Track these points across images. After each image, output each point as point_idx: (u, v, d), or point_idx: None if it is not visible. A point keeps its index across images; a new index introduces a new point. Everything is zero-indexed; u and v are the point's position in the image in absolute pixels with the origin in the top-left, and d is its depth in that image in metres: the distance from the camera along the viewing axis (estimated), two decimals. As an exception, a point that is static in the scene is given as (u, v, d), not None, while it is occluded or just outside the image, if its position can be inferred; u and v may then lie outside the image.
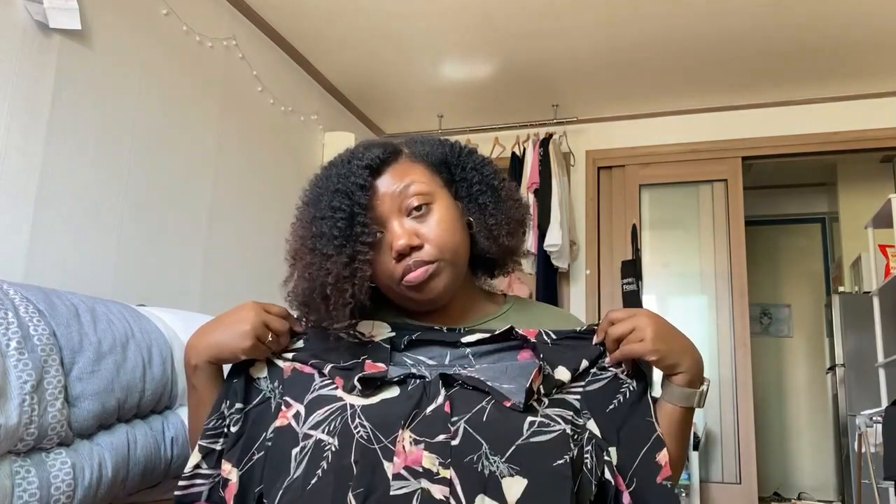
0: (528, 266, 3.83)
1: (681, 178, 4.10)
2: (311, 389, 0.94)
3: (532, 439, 0.84)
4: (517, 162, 3.96)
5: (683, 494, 3.60)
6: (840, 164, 5.05)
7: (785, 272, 5.86)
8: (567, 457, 0.83)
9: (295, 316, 1.02)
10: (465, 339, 0.98)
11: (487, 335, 0.97)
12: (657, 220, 4.17)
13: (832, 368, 4.65)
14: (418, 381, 0.90)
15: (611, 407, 0.95)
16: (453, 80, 3.71)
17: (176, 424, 1.39)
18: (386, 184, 0.99)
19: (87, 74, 2.18)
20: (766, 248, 5.79)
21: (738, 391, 3.79)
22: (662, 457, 0.93)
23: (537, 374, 0.89)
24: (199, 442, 0.95)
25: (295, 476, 0.86)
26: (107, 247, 2.23)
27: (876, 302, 3.72)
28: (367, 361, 0.94)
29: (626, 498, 0.90)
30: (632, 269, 3.88)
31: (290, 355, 0.99)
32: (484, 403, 0.87)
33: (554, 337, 0.99)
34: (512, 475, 0.81)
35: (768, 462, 5.31)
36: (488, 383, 0.89)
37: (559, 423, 0.87)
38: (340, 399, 0.90)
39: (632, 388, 0.96)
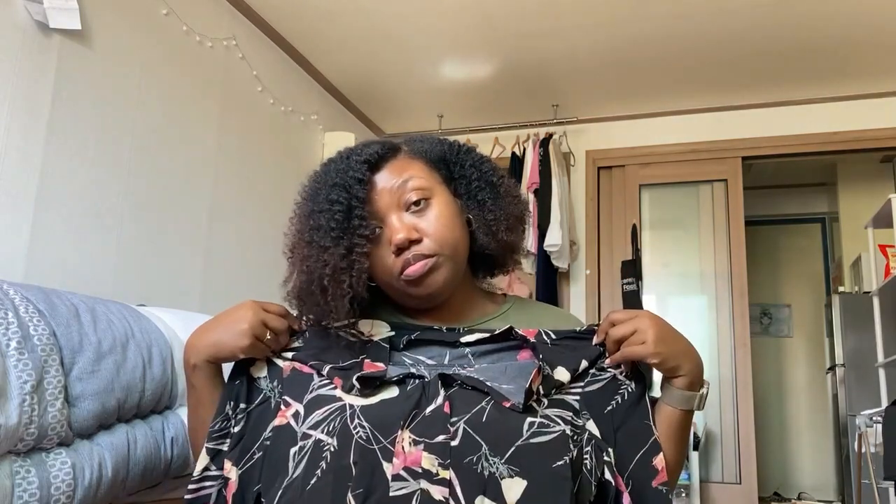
0: (528, 266, 3.83)
1: (681, 178, 4.10)
2: (310, 389, 0.94)
3: (532, 440, 0.84)
4: (517, 162, 3.96)
5: (683, 494, 3.60)
6: (840, 164, 5.05)
7: (785, 272, 5.87)
8: (567, 458, 0.83)
9: (294, 314, 1.02)
10: (464, 339, 0.97)
11: (487, 335, 0.97)
12: (657, 220, 4.17)
13: (832, 368, 4.65)
14: (417, 381, 0.90)
15: (609, 408, 0.95)
16: (453, 80, 3.71)
17: (176, 424, 1.39)
18: (384, 179, 0.99)
19: (87, 74, 2.18)
20: (766, 248, 5.79)
21: (738, 391, 3.79)
22: (659, 461, 0.93)
23: (536, 374, 0.89)
24: (206, 445, 0.95)
25: (294, 476, 0.86)
26: (107, 247, 2.23)
27: (876, 302, 3.72)
28: (365, 361, 0.94)
29: (626, 499, 0.90)
30: (632, 269, 3.89)
31: (289, 354, 0.99)
32: (483, 404, 0.86)
33: (553, 337, 0.99)
34: (511, 476, 0.81)
35: (768, 462, 5.31)
36: (487, 383, 0.89)
37: (559, 424, 0.86)
38: (339, 399, 0.89)
39: (630, 390, 0.96)
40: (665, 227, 4.17)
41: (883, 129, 3.74)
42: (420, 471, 0.80)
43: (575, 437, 0.87)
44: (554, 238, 3.73)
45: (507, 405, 0.86)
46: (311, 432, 0.87)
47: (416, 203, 0.98)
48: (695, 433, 3.63)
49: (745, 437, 3.74)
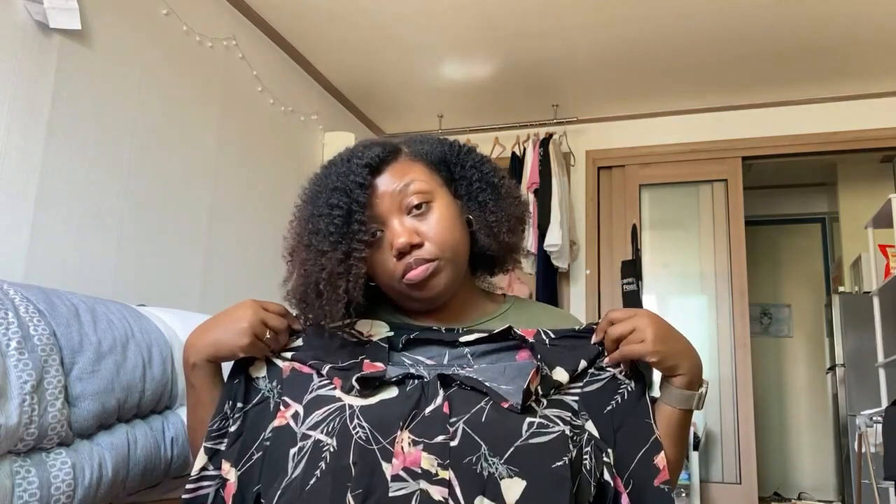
0: (528, 266, 3.83)
1: (681, 178, 4.10)
2: (310, 389, 0.94)
3: (531, 440, 0.84)
4: (517, 162, 3.96)
5: (683, 494, 3.60)
6: (840, 164, 5.05)
7: (785, 272, 5.86)
8: (566, 458, 0.83)
9: (294, 314, 1.02)
10: (463, 339, 0.98)
11: (485, 334, 0.97)
12: (657, 220, 4.17)
13: (832, 368, 4.65)
14: (416, 381, 0.90)
15: (609, 408, 0.95)
16: (453, 80, 3.71)
17: (176, 424, 1.40)
18: (385, 182, 0.99)
19: (87, 74, 2.18)
20: (766, 248, 5.79)
21: (738, 391, 3.79)
22: (660, 460, 0.93)
23: (535, 374, 0.89)
24: (205, 444, 0.95)
25: (293, 476, 0.86)
26: (107, 247, 2.23)
27: (876, 302, 3.72)
28: (365, 361, 0.94)
29: (625, 500, 0.90)
30: (632, 269, 3.88)
31: (289, 354, 0.99)
32: (482, 404, 0.86)
33: (552, 336, 0.99)
34: (511, 476, 0.81)
35: (768, 462, 5.31)
36: (486, 384, 0.89)
37: (558, 425, 0.87)
38: (339, 399, 0.89)
39: (630, 389, 0.96)
40: (665, 227, 4.17)
41: (883, 129, 3.74)
42: (419, 471, 0.80)
43: (574, 438, 0.87)
44: (554, 238, 3.73)
45: (506, 406, 0.86)
46: (310, 433, 0.87)
47: (418, 206, 0.98)
48: (695, 433, 3.63)
49: (745, 437, 3.74)
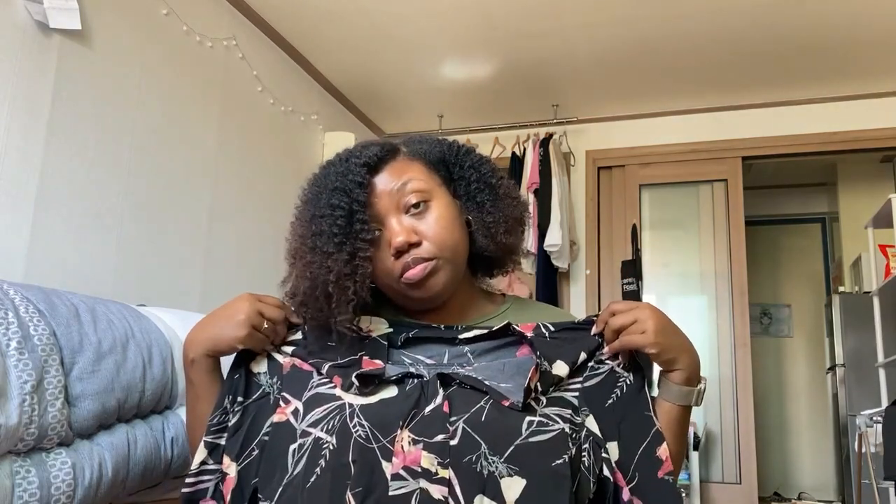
0: (528, 266, 3.84)
1: (681, 178, 4.10)
2: (310, 387, 0.94)
3: (531, 439, 0.84)
4: (517, 162, 3.96)
5: (684, 494, 3.60)
6: (840, 164, 5.05)
7: (785, 272, 5.86)
8: (566, 456, 0.83)
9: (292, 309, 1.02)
10: (462, 336, 0.98)
11: (485, 331, 0.97)
12: (657, 220, 4.17)
13: (832, 368, 4.65)
14: (416, 380, 0.90)
15: (609, 401, 0.95)
16: (453, 80, 3.71)
17: (176, 424, 1.40)
18: (384, 181, 0.99)
19: (87, 74, 2.18)
20: (766, 248, 5.79)
21: (738, 391, 3.79)
22: (663, 451, 0.93)
23: (534, 372, 0.89)
24: (205, 438, 0.96)
25: (294, 474, 0.86)
26: (107, 247, 2.23)
27: (876, 302, 3.72)
28: (364, 358, 0.94)
29: (625, 494, 0.90)
30: (632, 269, 3.89)
31: (289, 349, 0.99)
32: (482, 403, 0.87)
33: (552, 329, 0.99)
34: (511, 475, 0.81)
35: (768, 462, 5.31)
36: (486, 382, 0.89)
37: (558, 423, 0.87)
38: (339, 398, 0.90)
39: (629, 382, 0.96)
40: (665, 227, 4.17)
41: (883, 129, 3.74)
42: (419, 470, 0.80)
43: (574, 436, 0.87)
44: (554, 238, 3.73)
45: (506, 404, 0.86)
46: (310, 430, 0.87)
47: (416, 206, 0.98)
48: (695, 433, 3.63)
49: (745, 437, 3.74)
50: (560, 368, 0.93)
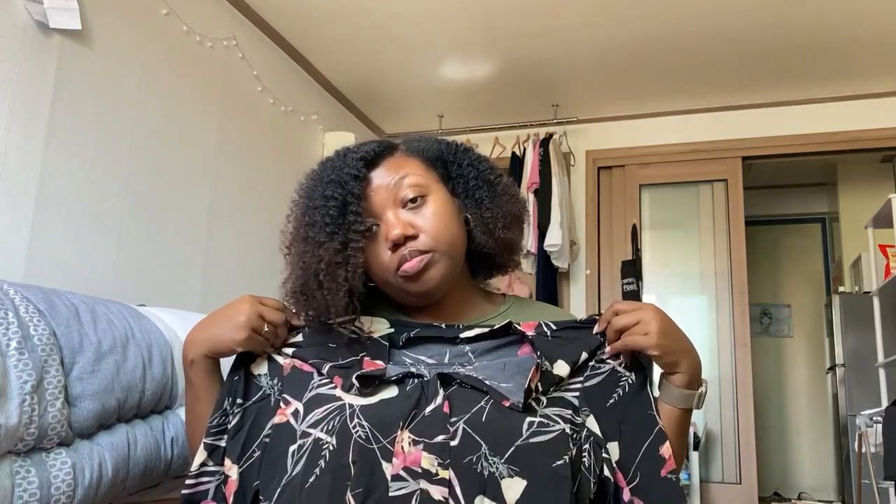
0: (528, 266, 3.84)
1: (681, 178, 4.10)
2: (310, 388, 0.94)
3: (531, 440, 0.84)
4: (517, 162, 3.96)
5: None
6: (840, 164, 5.05)
7: (785, 272, 5.86)
8: (566, 457, 0.83)
9: (293, 311, 1.02)
10: (463, 335, 0.97)
11: (486, 330, 0.97)
12: (657, 220, 4.17)
13: (832, 368, 4.64)
14: (416, 380, 0.90)
15: (611, 401, 0.94)
16: (453, 80, 3.71)
17: (176, 424, 1.39)
18: (381, 176, 0.99)
19: (87, 74, 2.18)
20: (766, 248, 5.79)
21: (738, 391, 3.79)
22: (665, 449, 0.93)
23: (535, 372, 0.89)
24: (204, 440, 0.96)
25: (293, 474, 0.86)
26: (107, 247, 2.23)
27: (876, 302, 3.72)
28: (365, 359, 0.94)
29: (626, 494, 0.90)
30: (632, 269, 3.88)
31: (289, 350, 0.99)
32: (483, 403, 0.86)
33: (554, 328, 0.98)
34: (511, 476, 0.81)
35: (768, 462, 5.31)
36: (487, 382, 0.89)
37: (558, 423, 0.86)
38: (339, 398, 0.90)
39: (630, 381, 0.96)
40: (665, 227, 4.17)
41: (883, 129, 3.74)
42: (419, 471, 0.80)
43: (574, 436, 0.87)
44: (554, 238, 3.73)
45: (507, 404, 0.86)
46: (310, 431, 0.87)
47: (413, 200, 0.98)
48: (695, 433, 3.63)
49: (745, 437, 3.74)
50: (561, 368, 0.93)
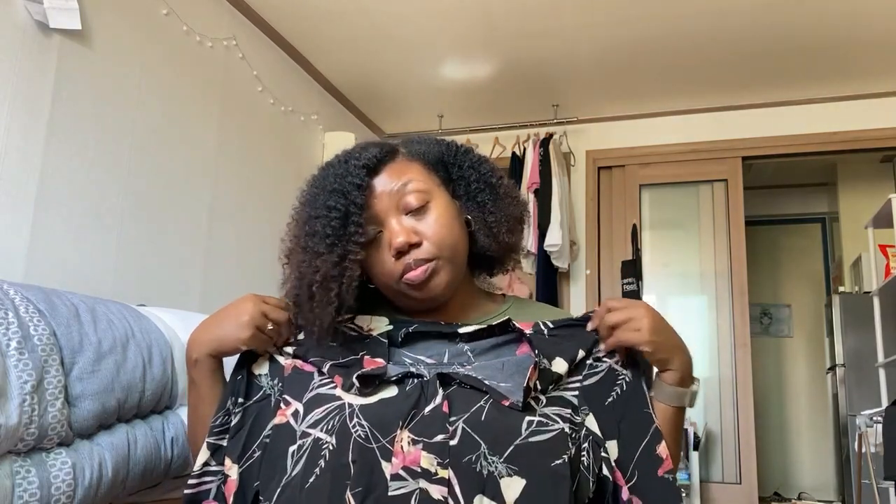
0: (528, 266, 3.84)
1: (681, 178, 4.10)
2: (310, 388, 0.94)
3: (530, 439, 0.84)
4: (517, 162, 3.96)
5: (684, 494, 3.60)
6: (840, 164, 5.05)
7: (785, 272, 5.86)
8: (565, 456, 0.83)
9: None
10: (462, 330, 0.97)
11: (484, 326, 0.97)
12: (657, 220, 4.17)
13: (832, 368, 4.65)
14: (416, 380, 0.90)
15: (609, 399, 0.95)
16: (453, 80, 3.71)
17: (176, 424, 1.40)
18: (383, 182, 0.99)
19: (87, 74, 2.18)
20: (766, 248, 5.79)
21: (738, 391, 3.79)
22: (662, 449, 0.93)
23: (533, 370, 0.89)
24: (207, 439, 0.96)
25: (293, 474, 0.86)
26: (107, 247, 2.23)
27: (876, 302, 3.72)
28: (365, 357, 0.94)
29: (624, 493, 0.90)
30: (632, 269, 3.88)
31: (291, 350, 0.99)
32: (482, 403, 0.87)
33: (551, 326, 0.99)
34: (510, 475, 0.81)
35: (768, 462, 5.31)
36: (486, 382, 0.89)
37: (557, 423, 0.87)
38: (339, 398, 0.90)
39: (628, 380, 0.96)
40: (665, 227, 4.17)
41: (883, 129, 3.74)
42: (419, 470, 0.80)
43: (573, 435, 0.87)
44: (554, 238, 3.73)
45: (506, 404, 0.86)
46: (310, 431, 0.87)
47: (416, 206, 0.98)
48: (695, 433, 3.63)
49: (745, 437, 3.74)
50: (559, 365, 0.94)
